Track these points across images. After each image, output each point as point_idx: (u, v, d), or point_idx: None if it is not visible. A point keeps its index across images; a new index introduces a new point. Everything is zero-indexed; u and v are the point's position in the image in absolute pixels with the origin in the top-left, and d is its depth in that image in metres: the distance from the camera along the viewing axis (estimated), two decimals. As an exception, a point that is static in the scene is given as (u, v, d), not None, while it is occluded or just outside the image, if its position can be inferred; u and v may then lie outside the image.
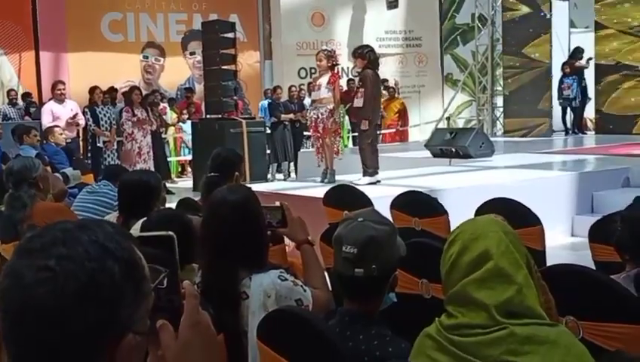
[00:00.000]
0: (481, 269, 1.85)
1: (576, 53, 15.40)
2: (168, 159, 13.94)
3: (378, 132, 9.15)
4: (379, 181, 8.01)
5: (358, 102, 7.98)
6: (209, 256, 2.58)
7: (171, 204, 5.11)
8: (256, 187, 9.01)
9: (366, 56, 8.00)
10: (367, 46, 8.42)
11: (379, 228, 2.32)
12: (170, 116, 14.96)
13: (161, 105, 14.34)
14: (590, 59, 15.04)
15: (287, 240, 3.73)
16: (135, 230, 3.05)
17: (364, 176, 8.03)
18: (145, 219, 3.10)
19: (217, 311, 2.34)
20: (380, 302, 2.34)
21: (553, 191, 7.84)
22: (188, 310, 1.17)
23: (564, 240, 7.36)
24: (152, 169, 11.27)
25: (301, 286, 2.58)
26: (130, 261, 1.09)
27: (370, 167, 8.03)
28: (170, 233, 1.21)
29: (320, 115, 8.19)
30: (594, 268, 3.32)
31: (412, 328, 2.09)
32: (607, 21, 14.64)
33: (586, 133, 15.27)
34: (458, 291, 1.87)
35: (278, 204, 3.05)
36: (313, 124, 8.33)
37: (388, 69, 18.53)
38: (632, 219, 2.71)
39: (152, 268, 1.16)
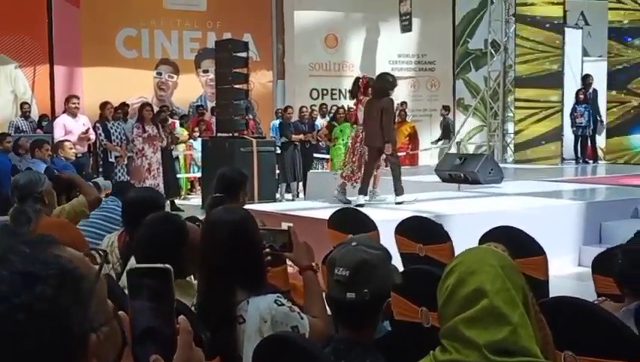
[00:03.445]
0: (475, 307, 1.83)
1: (586, 80, 15.38)
2: (178, 176, 13.97)
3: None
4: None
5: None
6: (205, 278, 2.58)
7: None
8: (265, 207, 9.04)
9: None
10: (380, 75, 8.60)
11: (372, 252, 2.31)
12: (181, 132, 15.02)
13: (170, 120, 14.42)
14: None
15: (289, 262, 3.73)
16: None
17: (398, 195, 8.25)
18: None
19: (213, 334, 2.34)
20: (373, 330, 2.32)
21: (561, 220, 7.81)
22: (181, 345, 1.17)
23: (570, 270, 7.31)
24: (162, 185, 11.32)
25: (298, 313, 2.56)
26: (59, 272, 1.07)
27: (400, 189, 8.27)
28: (167, 266, 1.20)
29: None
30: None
31: (411, 357, 2.08)
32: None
33: (597, 163, 15.22)
34: (451, 327, 1.85)
35: (286, 227, 3.05)
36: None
37: (400, 92, 18.56)
38: (632, 253, 2.69)
39: (88, 254, 1.15)
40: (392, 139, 8.14)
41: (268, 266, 2.99)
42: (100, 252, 1.20)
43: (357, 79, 8.98)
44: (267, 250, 2.90)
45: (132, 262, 3.03)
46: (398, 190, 8.21)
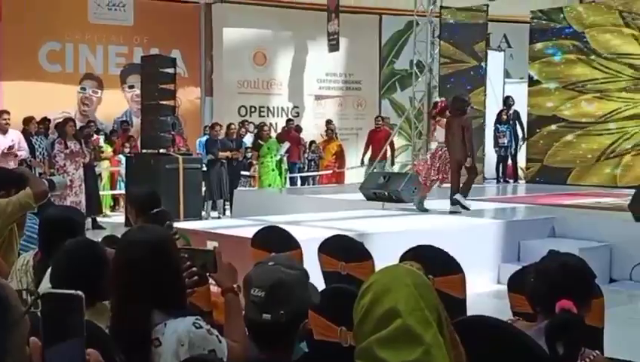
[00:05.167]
0: (388, 327, 1.84)
1: (507, 101, 15.78)
2: (100, 193, 13.68)
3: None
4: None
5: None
6: (119, 299, 2.51)
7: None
8: (190, 225, 8.95)
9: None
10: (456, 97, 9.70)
11: (289, 271, 2.28)
12: (105, 148, 14.74)
13: (95, 136, 14.11)
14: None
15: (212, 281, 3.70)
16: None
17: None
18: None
19: (128, 357, 2.29)
20: (290, 352, 2.30)
21: (481, 238, 7.98)
22: None
23: (490, 288, 7.46)
24: (84, 202, 11.09)
25: (216, 336, 2.50)
26: None
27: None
28: (79, 293, 1.18)
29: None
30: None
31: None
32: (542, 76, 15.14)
33: (517, 182, 15.59)
34: (365, 347, 1.87)
35: (211, 247, 3.00)
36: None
37: (327, 111, 18.75)
38: (543, 272, 2.75)
39: (20, 292, 1.15)
40: (474, 153, 9.37)
41: (193, 286, 2.95)
42: (29, 292, 1.20)
43: (435, 103, 10.25)
44: (194, 269, 2.86)
45: (45, 284, 2.95)
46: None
